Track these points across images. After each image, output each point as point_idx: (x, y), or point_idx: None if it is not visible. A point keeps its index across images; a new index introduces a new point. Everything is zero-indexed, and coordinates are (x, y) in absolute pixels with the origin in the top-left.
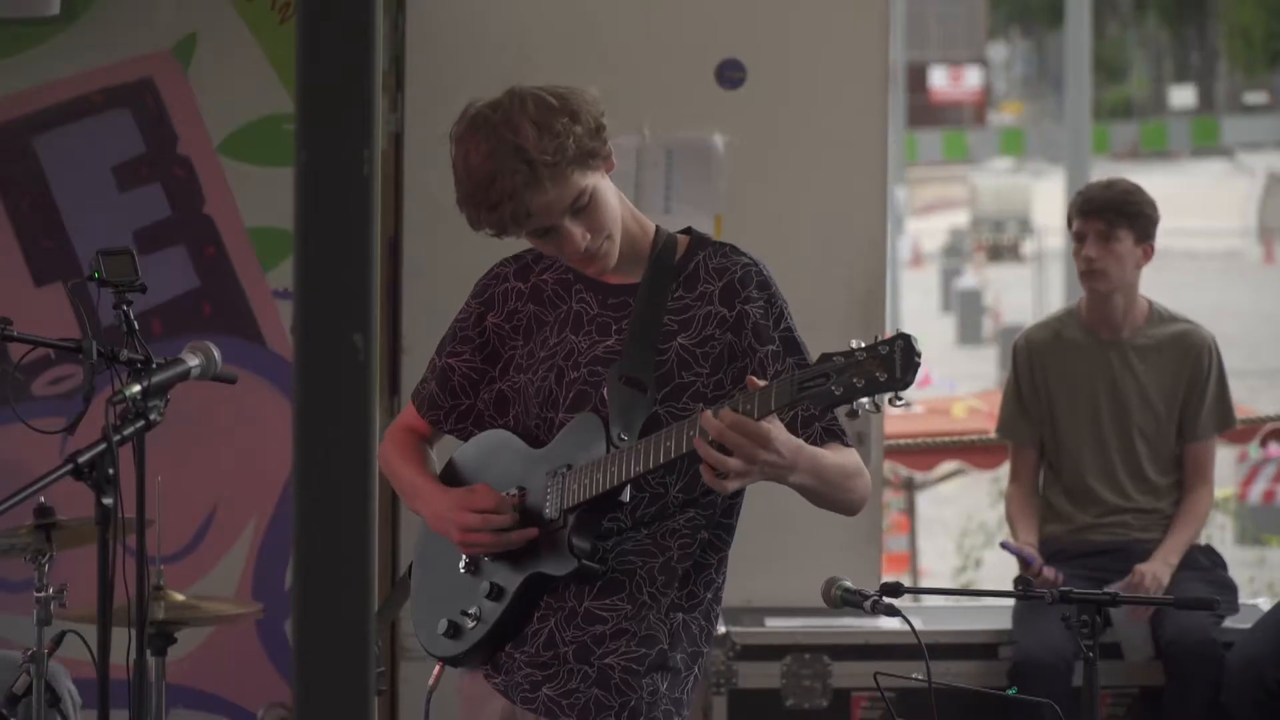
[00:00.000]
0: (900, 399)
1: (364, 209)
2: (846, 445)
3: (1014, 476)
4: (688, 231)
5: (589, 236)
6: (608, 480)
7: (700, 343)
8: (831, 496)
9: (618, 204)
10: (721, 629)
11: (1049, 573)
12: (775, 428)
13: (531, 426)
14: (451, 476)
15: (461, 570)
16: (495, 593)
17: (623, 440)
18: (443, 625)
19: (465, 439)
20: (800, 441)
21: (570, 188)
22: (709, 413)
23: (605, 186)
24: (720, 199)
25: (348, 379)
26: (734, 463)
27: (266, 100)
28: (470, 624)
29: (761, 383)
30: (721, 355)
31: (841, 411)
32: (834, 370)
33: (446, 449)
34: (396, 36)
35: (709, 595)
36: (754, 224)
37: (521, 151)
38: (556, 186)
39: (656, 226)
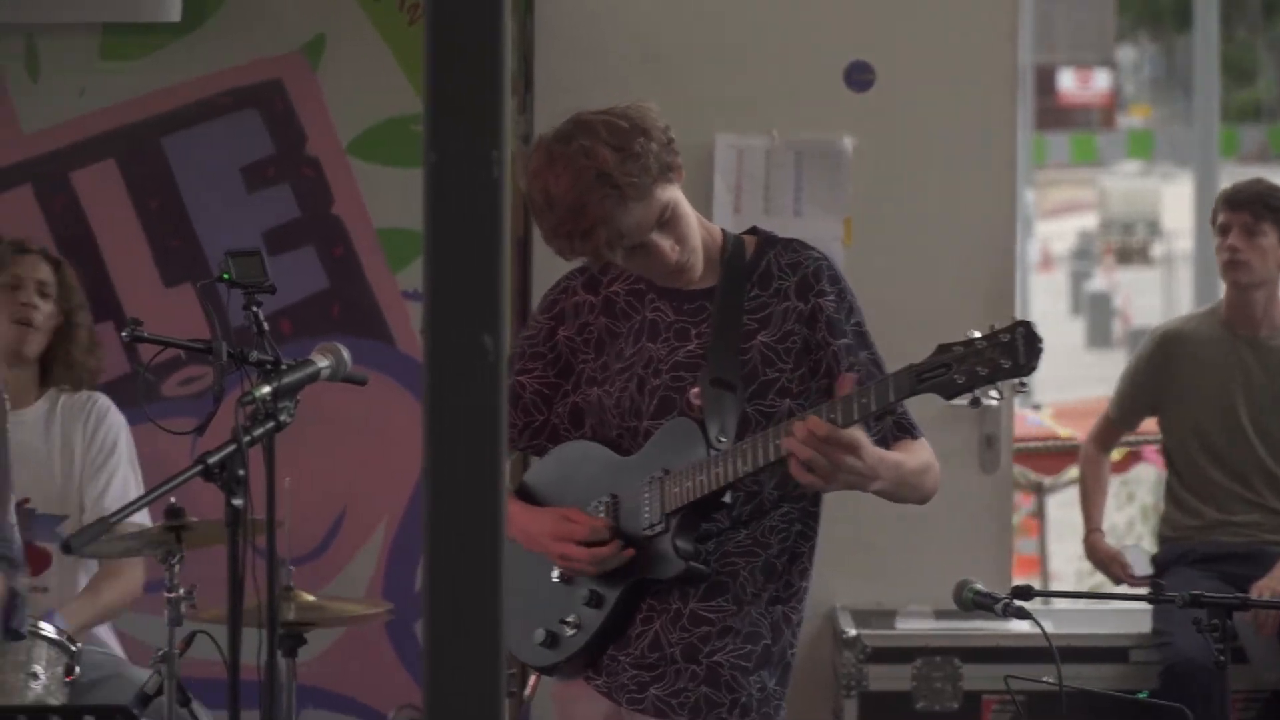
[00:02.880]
0: (1024, 385)
1: (493, 210)
2: (917, 438)
3: (1095, 437)
4: (753, 231)
5: (677, 249)
6: (712, 482)
7: (781, 339)
8: (904, 497)
9: (693, 213)
10: (852, 631)
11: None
12: (860, 436)
13: (614, 436)
14: (529, 493)
15: (555, 580)
16: (594, 600)
17: (721, 442)
18: (539, 635)
19: (540, 454)
20: (884, 452)
21: (655, 203)
22: (798, 422)
23: (682, 198)
24: (849, 201)
25: (478, 380)
26: (822, 464)
27: (395, 101)
28: (570, 632)
29: (851, 383)
30: (801, 349)
31: (963, 400)
32: (954, 360)
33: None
34: (525, 38)
35: (804, 584)
36: (883, 226)
37: (606, 176)
38: (643, 205)
39: (723, 229)
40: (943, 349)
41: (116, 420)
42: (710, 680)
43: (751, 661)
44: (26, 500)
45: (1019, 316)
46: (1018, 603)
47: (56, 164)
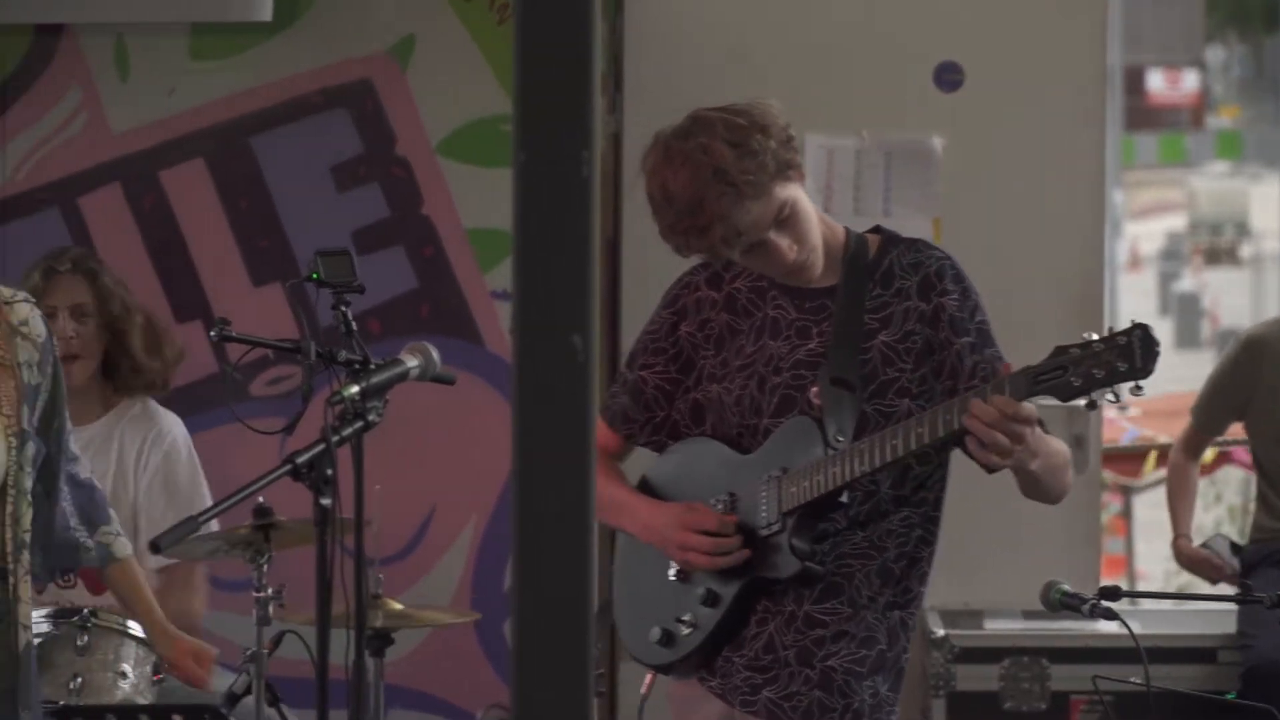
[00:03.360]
0: (1140, 389)
1: (583, 210)
2: (1050, 434)
3: (1182, 445)
4: (876, 230)
5: (795, 248)
6: (829, 482)
7: (901, 339)
8: (1047, 485)
9: (814, 211)
10: (940, 631)
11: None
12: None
13: (733, 434)
14: (650, 489)
15: (672, 578)
16: (711, 599)
17: (839, 441)
18: (655, 633)
19: (660, 450)
20: (1041, 432)
21: (772, 201)
22: (978, 402)
23: (802, 196)
24: (938, 201)
25: (567, 380)
26: (1003, 440)
27: (484, 101)
28: (685, 631)
29: (1011, 368)
30: (922, 350)
31: (1080, 402)
32: (1071, 362)
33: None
34: (614, 37)
35: (922, 589)
36: (972, 226)
37: (723, 173)
38: (760, 203)
39: (846, 228)
40: (1059, 351)
41: (175, 443)
42: (823, 684)
43: (865, 667)
44: None
45: (1107, 315)
46: (1105, 603)
47: (146, 164)
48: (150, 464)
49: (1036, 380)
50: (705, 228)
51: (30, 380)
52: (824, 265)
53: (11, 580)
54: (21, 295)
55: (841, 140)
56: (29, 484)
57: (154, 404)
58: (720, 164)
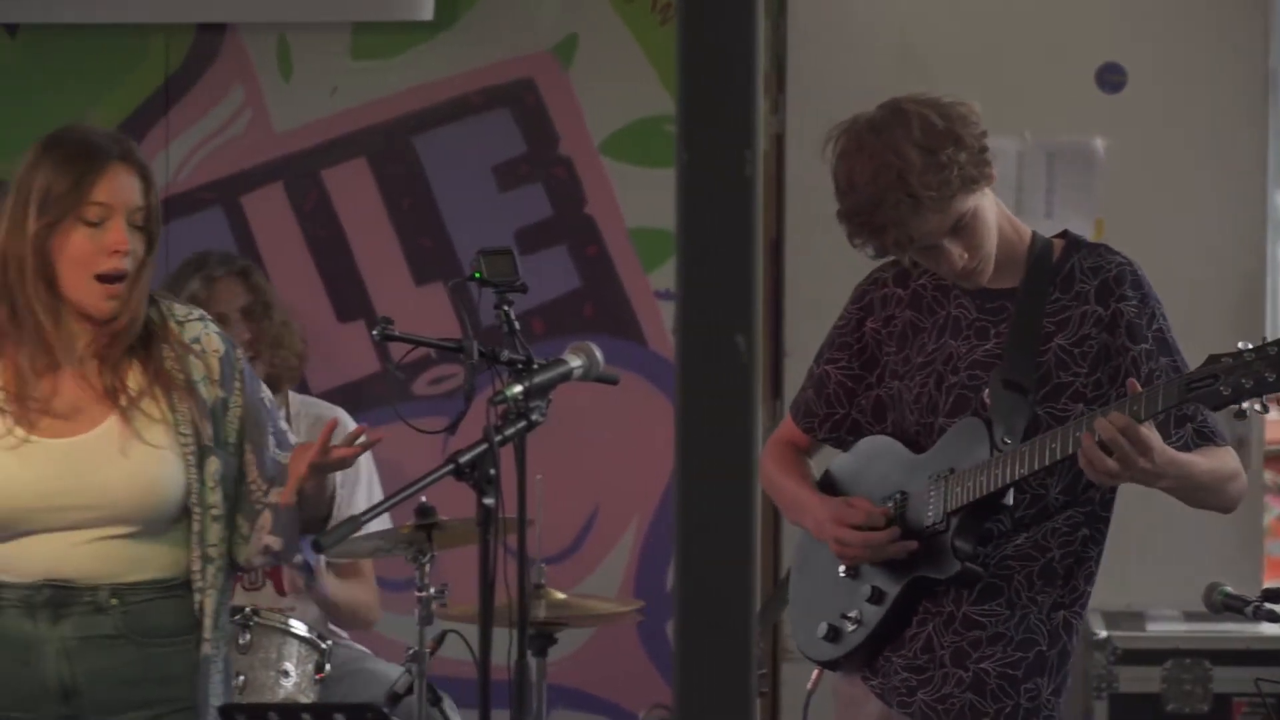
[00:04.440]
0: None
1: (746, 210)
2: (1220, 445)
3: None
4: (1063, 234)
5: (965, 255)
6: (991, 483)
7: (1077, 342)
8: (1201, 500)
9: (996, 218)
10: (1102, 633)
11: None
12: (1154, 436)
13: (911, 432)
14: (830, 485)
15: (841, 574)
16: (876, 596)
17: (1006, 443)
18: (822, 629)
19: (840, 446)
20: (1174, 453)
21: (952, 213)
22: (1102, 417)
23: (986, 204)
24: (1099, 203)
25: (730, 380)
26: (1112, 464)
27: (647, 101)
28: (850, 627)
29: (1140, 387)
30: (1098, 355)
31: (1229, 412)
32: (1222, 371)
33: (825, 456)
34: (777, 37)
35: (1089, 589)
36: (1133, 228)
37: (905, 182)
38: (939, 214)
39: (1033, 231)
40: (1212, 359)
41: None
42: (975, 687)
43: (1021, 669)
44: None
45: (1269, 318)
46: (1269, 605)
47: (308, 162)
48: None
49: (1188, 388)
50: (879, 228)
51: (209, 396)
52: (1007, 267)
53: (198, 597)
54: (196, 314)
55: (1004, 141)
56: (215, 499)
57: (321, 401)
58: (905, 171)
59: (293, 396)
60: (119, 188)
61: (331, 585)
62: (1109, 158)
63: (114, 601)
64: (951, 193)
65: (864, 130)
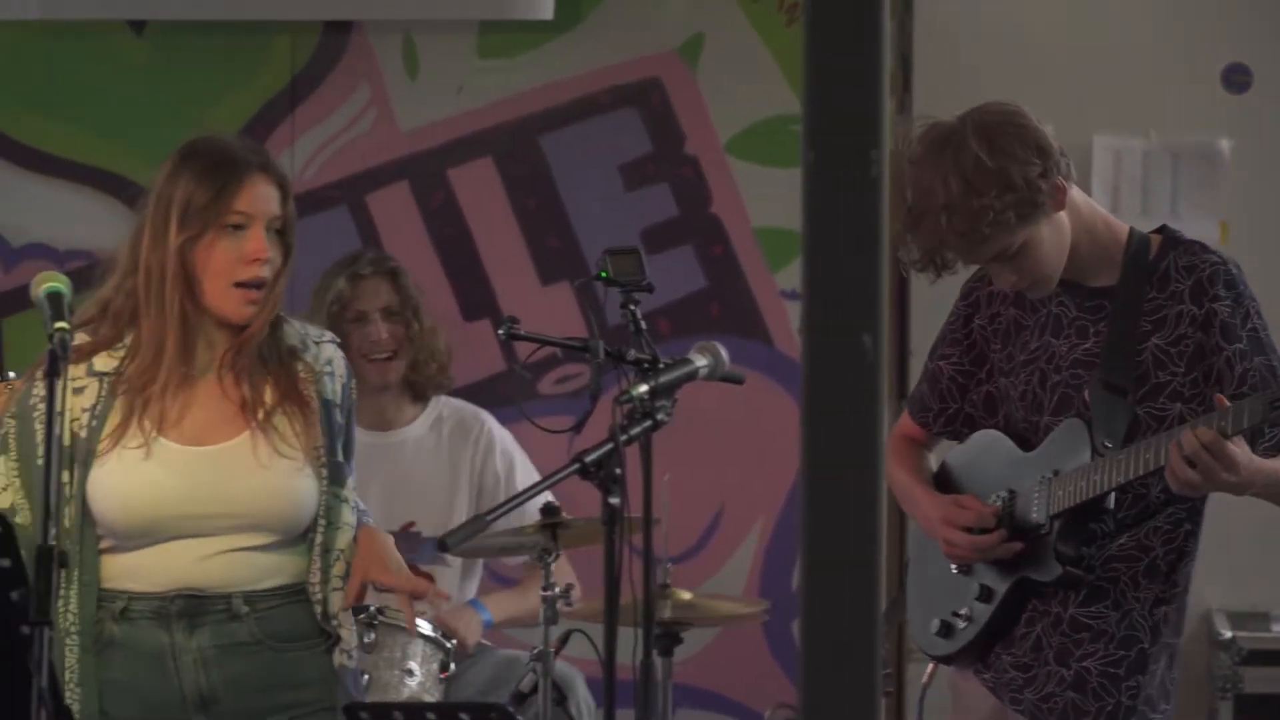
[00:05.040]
0: None
1: (872, 209)
2: None
3: None
4: (1160, 230)
5: (1014, 278)
6: (1092, 489)
7: (1174, 342)
8: None
9: (1063, 238)
10: (1227, 633)
11: None
12: (1241, 450)
13: (1020, 428)
14: (945, 478)
15: (954, 571)
16: (985, 594)
17: (1106, 447)
18: (935, 625)
19: (957, 439)
20: (1261, 462)
21: (994, 246)
22: (1190, 431)
23: (1045, 233)
24: (1225, 204)
25: (856, 380)
26: (1194, 476)
27: (773, 100)
28: (962, 625)
29: (1228, 402)
30: (1194, 354)
31: None
32: None
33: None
34: (903, 36)
35: (1188, 580)
36: (1259, 229)
37: (939, 215)
38: (973, 249)
39: (1130, 228)
40: None
41: (507, 446)
42: (1077, 686)
43: (1123, 668)
44: (412, 524)
45: None
46: None
47: (434, 162)
48: (489, 465)
49: (1272, 406)
50: (915, 243)
51: (340, 417)
52: (1104, 265)
53: (317, 607)
54: (328, 336)
55: (1129, 141)
56: (345, 514)
57: (467, 404)
58: (945, 203)
59: (435, 398)
60: (259, 197)
61: (508, 601)
62: (1234, 159)
63: (246, 609)
64: (980, 238)
65: (926, 146)
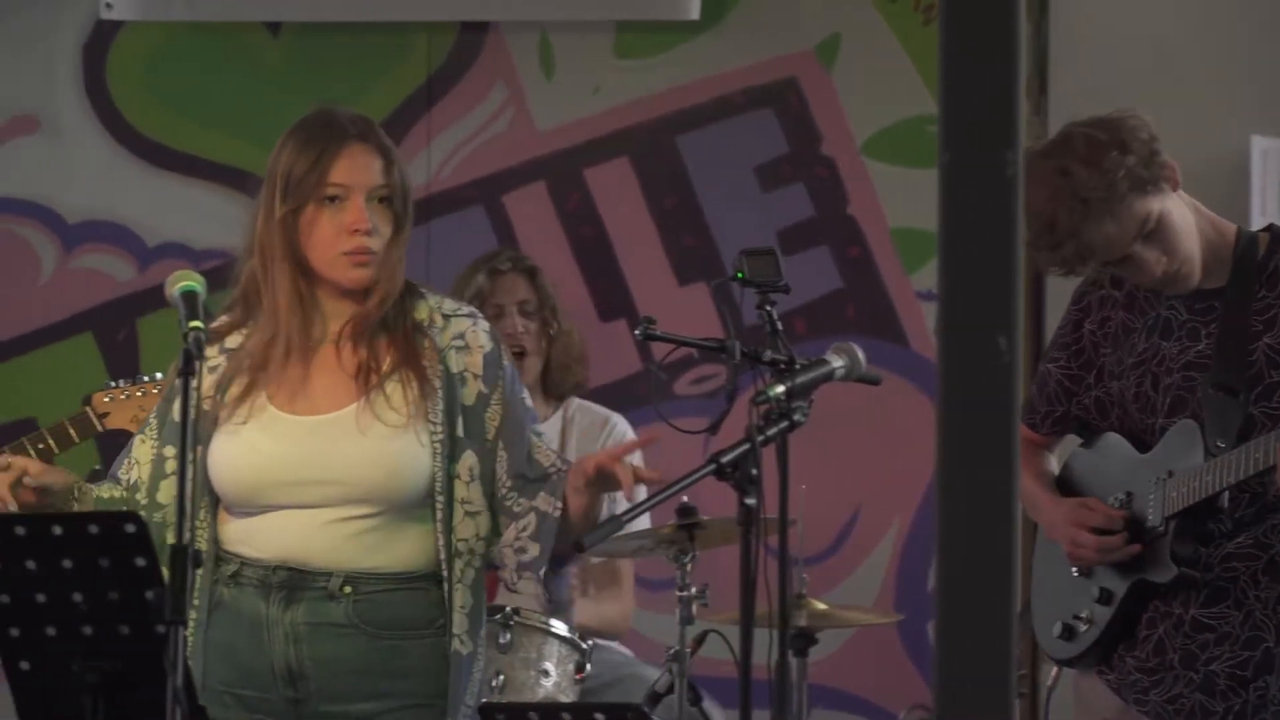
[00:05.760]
0: None
1: (1007, 211)
2: None
3: None
4: (1269, 229)
5: (1164, 260)
6: (1205, 489)
7: None
8: None
9: (1191, 220)
10: None
11: None
12: None
13: (1137, 431)
14: (1067, 480)
15: (1074, 574)
16: (1104, 597)
17: (1219, 447)
18: (1057, 627)
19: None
20: None
21: (1131, 217)
22: None
23: (1173, 206)
24: None
25: (992, 381)
26: None
27: (909, 101)
28: (1083, 627)
29: None
30: None
31: None
32: None
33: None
34: (1039, 39)
35: None
36: None
37: (1073, 191)
38: (1115, 219)
39: (1238, 228)
40: None
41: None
42: (1205, 688)
43: (1250, 669)
44: None
45: None
46: None
47: (571, 161)
48: None
49: None
50: (1057, 244)
51: (470, 391)
52: (1214, 267)
53: (446, 588)
54: (465, 310)
55: (1268, 141)
56: (467, 493)
57: (600, 407)
58: (1070, 182)
59: (569, 399)
60: (357, 167)
61: (579, 608)
62: None
63: (346, 590)
64: (1120, 194)
65: (1035, 157)
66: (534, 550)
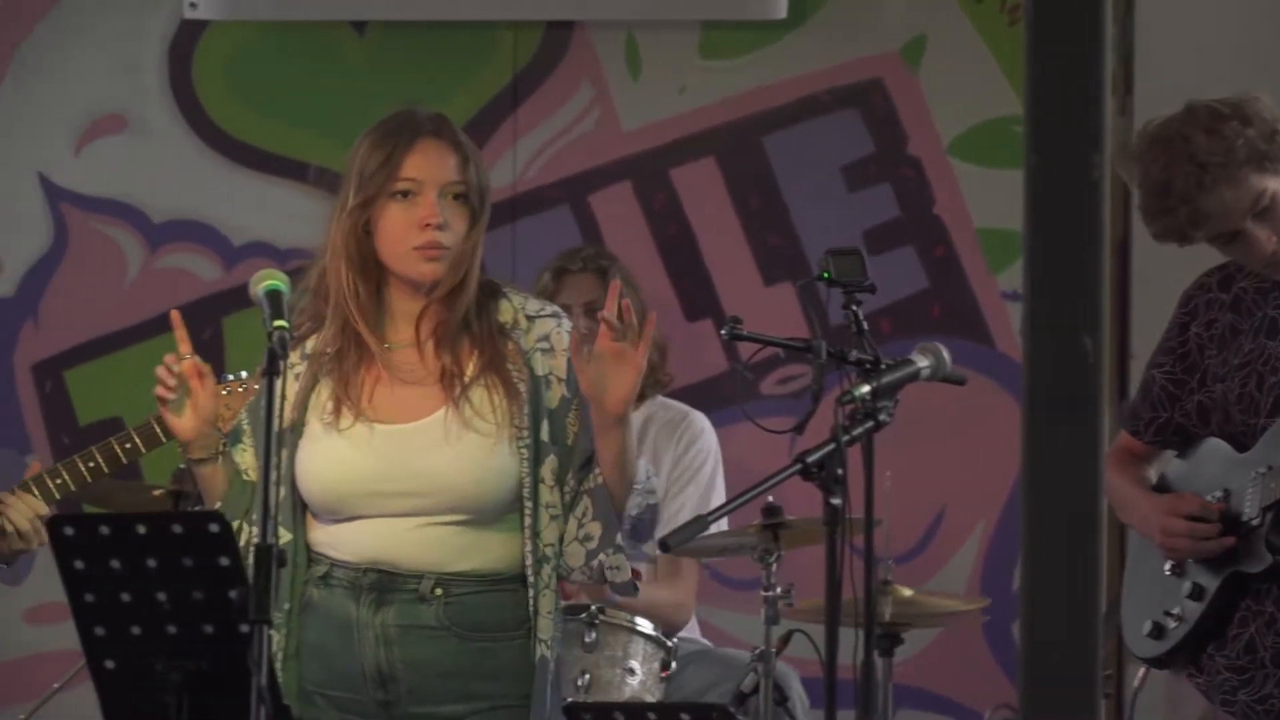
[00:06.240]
0: None
1: (1093, 212)
2: None
3: None
4: None
5: (1274, 239)
6: None
7: None
8: None
9: None
10: None
11: None
12: None
13: (1237, 433)
14: (1163, 486)
15: (1167, 572)
16: (1196, 592)
17: None
18: (1147, 626)
19: (1165, 449)
20: None
21: (1247, 190)
22: None
23: None
24: None
25: (1077, 382)
26: None
27: (995, 102)
28: (1173, 624)
29: None
30: None
31: None
32: None
33: None
34: (1125, 39)
35: None
36: None
37: (1192, 157)
38: (1230, 188)
39: None
40: None
41: (708, 444)
42: None
43: None
44: None
45: None
46: None
47: (657, 162)
48: (682, 462)
49: None
50: (1171, 209)
51: (554, 394)
52: None
53: (532, 593)
54: (550, 310)
55: None
56: (550, 497)
57: (683, 405)
58: (1189, 147)
59: (651, 398)
60: (429, 162)
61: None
62: None
63: (437, 592)
64: (1238, 161)
65: (1154, 128)
66: (596, 531)
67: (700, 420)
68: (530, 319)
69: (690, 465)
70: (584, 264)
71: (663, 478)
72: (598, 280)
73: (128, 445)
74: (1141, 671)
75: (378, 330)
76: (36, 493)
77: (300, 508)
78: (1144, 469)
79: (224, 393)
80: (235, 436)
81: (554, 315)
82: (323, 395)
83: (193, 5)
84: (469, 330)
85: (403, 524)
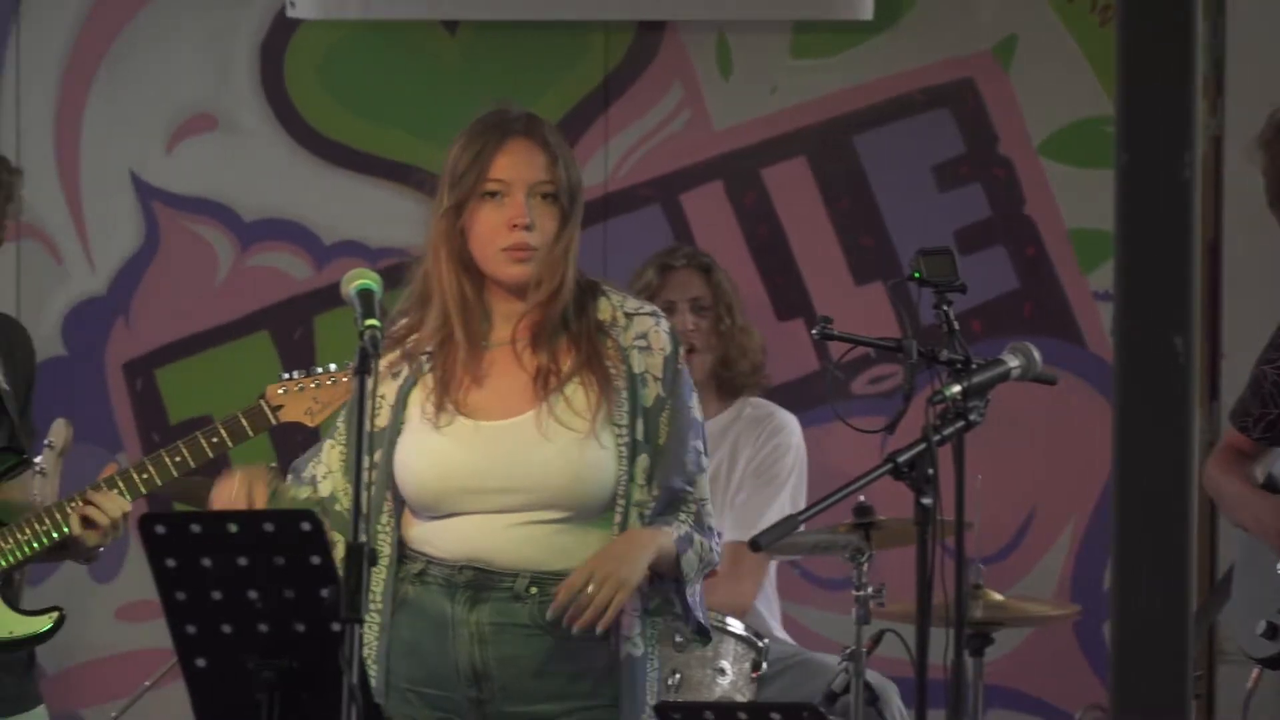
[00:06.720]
0: None
1: (1184, 212)
2: None
3: None
4: None
5: None
6: None
7: None
8: None
9: None
10: None
11: None
12: None
13: None
14: (1272, 485)
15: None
16: None
17: None
18: (1261, 626)
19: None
20: None
21: None
22: None
23: None
24: None
25: (1168, 382)
26: None
27: (1086, 102)
28: None
29: None
30: None
31: None
32: None
33: None
34: (1216, 39)
35: None
36: None
37: None
38: None
39: None
40: None
41: (788, 441)
42: None
43: None
44: None
45: None
46: None
47: (748, 161)
48: (758, 457)
49: None
50: None
51: (649, 393)
52: None
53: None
54: (648, 309)
55: None
56: (641, 495)
57: (772, 405)
58: None
59: (744, 397)
60: (518, 162)
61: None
62: None
63: (533, 590)
64: None
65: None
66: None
67: (784, 418)
68: (629, 316)
69: (766, 460)
70: (687, 260)
71: (738, 471)
72: (702, 277)
73: (214, 439)
74: (1255, 673)
75: (474, 329)
76: (122, 487)
77: (397, 506)
78: (1251, 467)
79: (312, 385)
80: (330, 433)
81: (652, 314)
82: (421, 393)
83: (291, 4)
84: (567, 328)
85: (500, 521)
